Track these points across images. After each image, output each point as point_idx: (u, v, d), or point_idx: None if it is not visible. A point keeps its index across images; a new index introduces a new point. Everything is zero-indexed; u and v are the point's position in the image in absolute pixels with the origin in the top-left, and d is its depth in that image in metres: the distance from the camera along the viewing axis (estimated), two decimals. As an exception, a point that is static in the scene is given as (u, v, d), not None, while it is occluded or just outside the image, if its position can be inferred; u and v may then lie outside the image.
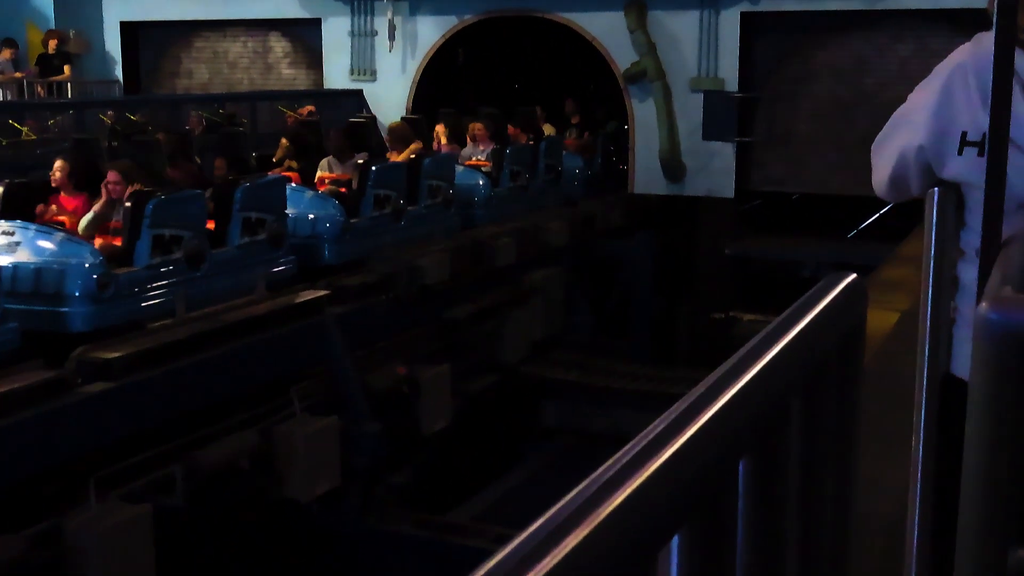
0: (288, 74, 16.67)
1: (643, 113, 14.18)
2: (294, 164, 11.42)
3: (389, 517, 9.06)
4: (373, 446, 8.75)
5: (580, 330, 13.25)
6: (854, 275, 1.66)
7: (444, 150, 12.90)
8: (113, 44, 17.05)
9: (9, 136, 11.11)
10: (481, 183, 12.20)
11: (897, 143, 2.46)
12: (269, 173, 10.50)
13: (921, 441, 2.32)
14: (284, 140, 12.06)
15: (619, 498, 0.90)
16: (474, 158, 12.93)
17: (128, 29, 17.07)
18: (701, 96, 13.86)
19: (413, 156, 11.60)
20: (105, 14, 16.96)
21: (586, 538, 0.85)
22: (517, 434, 12.01)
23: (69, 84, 16.24)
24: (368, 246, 10.17)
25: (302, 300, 8.79)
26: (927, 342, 2.34)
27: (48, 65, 15.86)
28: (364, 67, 15.47)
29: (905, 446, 2.47)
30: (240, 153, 10.69)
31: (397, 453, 9.35)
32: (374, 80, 15.43)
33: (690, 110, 13.94)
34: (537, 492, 10.86)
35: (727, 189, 13.97)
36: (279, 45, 16.74)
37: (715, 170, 13.94)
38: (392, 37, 15.15)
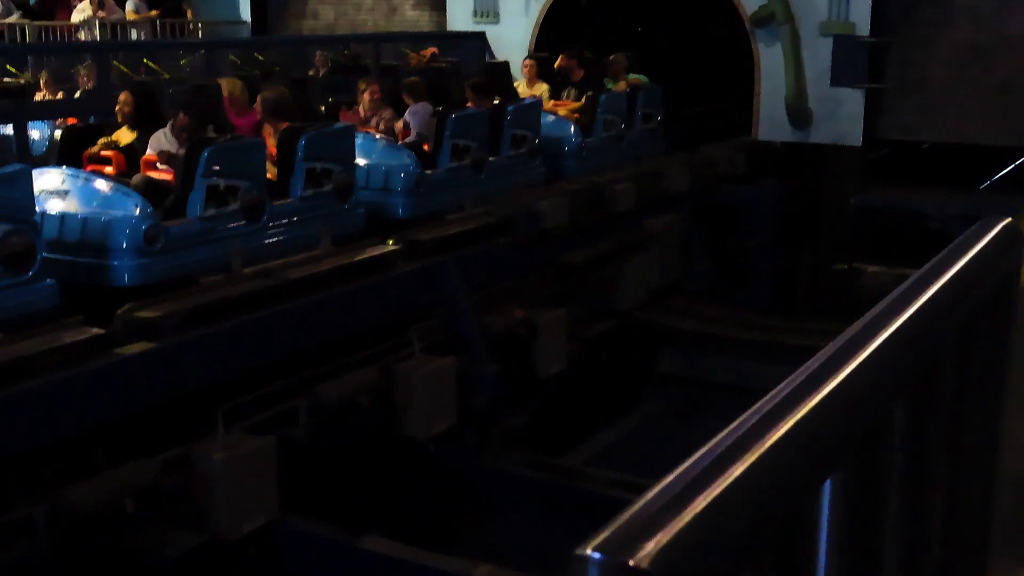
0: (412, 16, 16.70)
1: (769, 58, 13.84)
2: (121, 139, 8.38)
3: (504, 458, 9.15)
4: (490, 387, 8.82)
5: (699, 278, 13.09)
6: (1009, 219, 1.59)
7: (365, 117, 10.20)
8: (242, -15, 17.31)
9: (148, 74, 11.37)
10: (408, 162, 9.56)
11: None
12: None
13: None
14: (123, 97, 8.56)
15: (778, 434, 0.88)
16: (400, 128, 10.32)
17: (256, -30, 17.31)
18: (831, 40, 13.46)
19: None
20: (235, -44, 17.21)
21: (742, 475, 0.83)
22: (633, 380, 11.98)
23: (200, 25, 16.57)
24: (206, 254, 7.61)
25: None
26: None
27: (165, 7, 16.23)
28: (487, 9, 15.40)
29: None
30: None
31: (513, 395, 9.42)
32: (497, 22, 15.35)
33: (819, 55, 13.55)
34: (651, 439, 10.84)
35: (855, 137, 13.58)
36: (403, -13, 16.79)
37: (843, 117, 13.56)
38: (516, -21, 15.04)
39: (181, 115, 8.17)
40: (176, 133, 8.17)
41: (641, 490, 0.87)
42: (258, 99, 9.16)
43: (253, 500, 6.73)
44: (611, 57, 13.16)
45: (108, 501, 6.06)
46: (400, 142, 10.05)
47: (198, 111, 8.37)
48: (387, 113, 10.30)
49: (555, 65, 12.84)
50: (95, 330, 6.47)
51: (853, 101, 13.52)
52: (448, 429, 8.40)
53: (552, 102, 12.48)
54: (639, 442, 10.82)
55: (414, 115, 10.28)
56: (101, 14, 15.14)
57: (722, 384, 11.19)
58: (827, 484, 1.06)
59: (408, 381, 8.06)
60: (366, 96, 10.28)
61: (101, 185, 7.55)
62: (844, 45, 13.35)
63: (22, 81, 10.75)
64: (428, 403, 8.12)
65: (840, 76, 13.44)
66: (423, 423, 8.15)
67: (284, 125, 8.94)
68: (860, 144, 13.60)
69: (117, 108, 8.56)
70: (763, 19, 13.72)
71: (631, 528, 0.77)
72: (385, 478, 8.82)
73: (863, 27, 13.31)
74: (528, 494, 8.86)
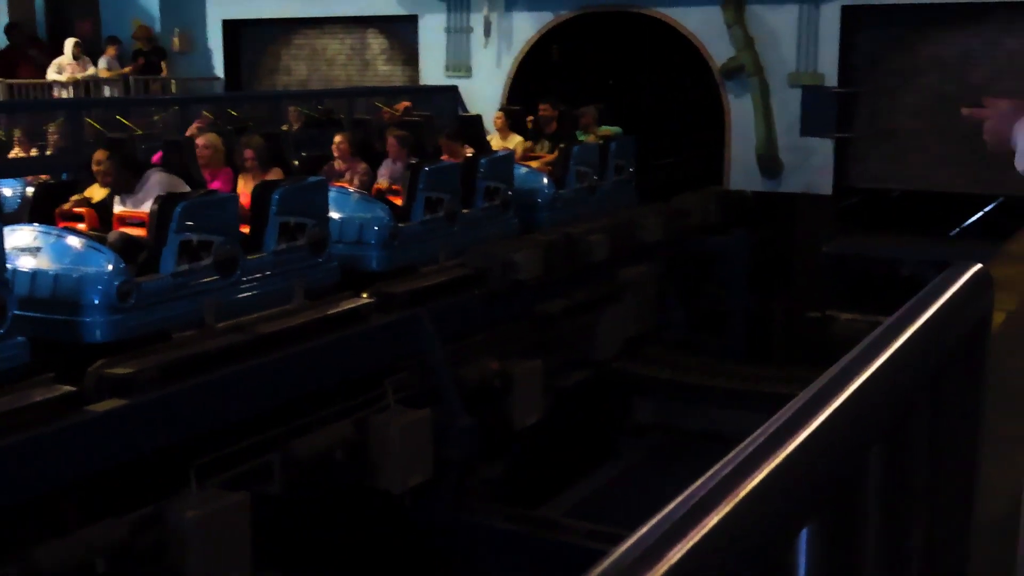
0: (385, 70, 16.82)
1: (739, 109, 14.00)
2: (93, 195, 8.24)
3: (480, 510, 9.09)
4: (466, 439, 8.78)
5: (673, 327, 13.13)
6: (979, 265, 1.60)
7: (340, 170, 10.17)
8: (215, 42, 17.39)
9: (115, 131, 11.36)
10: (382, 215, 9.52)
11: None
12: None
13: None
14: (98, 155, 8.21)
15: (752, 483, 0.88)
16: (382, 181, 10.30)
17: (230, 27, 17.39)
18: (799, 91, 13.64)
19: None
20: (208, 12, 17.30)
21: (717, 526, 0.82)
22: (609, 430, 11.95)
23: (173, 81, 16.63)
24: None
25: None
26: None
27: (145, 62, 16.31)
28: (459, 63, 15.53)
29: (1017, 448, 2.38)
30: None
31: (489, 447, 9.37)
32: (469, 76, 15.48)
33: (788, 105, 13.72)
34: (629, 489, 10.80)
35: (825, 186, 13.72)
36: (376, 42, 16.91)
37: (813, 166, 13.71)
38: (488, 33, 15.19)
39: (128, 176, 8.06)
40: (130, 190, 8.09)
41: (619, 541, 0.86)
42: (248, 151, 9.15)
43: (226, 557, 6.65)
44: (581, 110, 13.26)
45: (79, 561, 5.97)
46: (374, 191, 10.07)
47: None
48: (361, 167, 10.31)
49: (535, 116, 12.86)
50: (66, 388, 6.39)
51: (823, 151, 13.67)
52: (424, 482, 8.34)
53: (527, 149, 12.55)
54: (616, 492, 10.78)
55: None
56: (74, 69, 15.16)
57: (698, 432, 11.19)
58: (803, 533, 1.05)
59: (383, 434, 8.01)
60: (335, 147, 10.30)
61: (73, 242, 7.49)
62: (813, 96, 13.53)
63: (-6, 138, 10.72)
64: (403, 456, 8.07)
65: (809, 126, 13.60)
66: (398, 476, 8.09)
67: (275, 172, 8.99)
68: (831, 193, 13.74)
69: (93, 166, 8.34)
70: (732, 71, 13.89)
71: (606, 581, 0.76)
72: (361, 533, 8.73)
73: (831, 78, 13.50)
74: (505, 547, 8.80)
